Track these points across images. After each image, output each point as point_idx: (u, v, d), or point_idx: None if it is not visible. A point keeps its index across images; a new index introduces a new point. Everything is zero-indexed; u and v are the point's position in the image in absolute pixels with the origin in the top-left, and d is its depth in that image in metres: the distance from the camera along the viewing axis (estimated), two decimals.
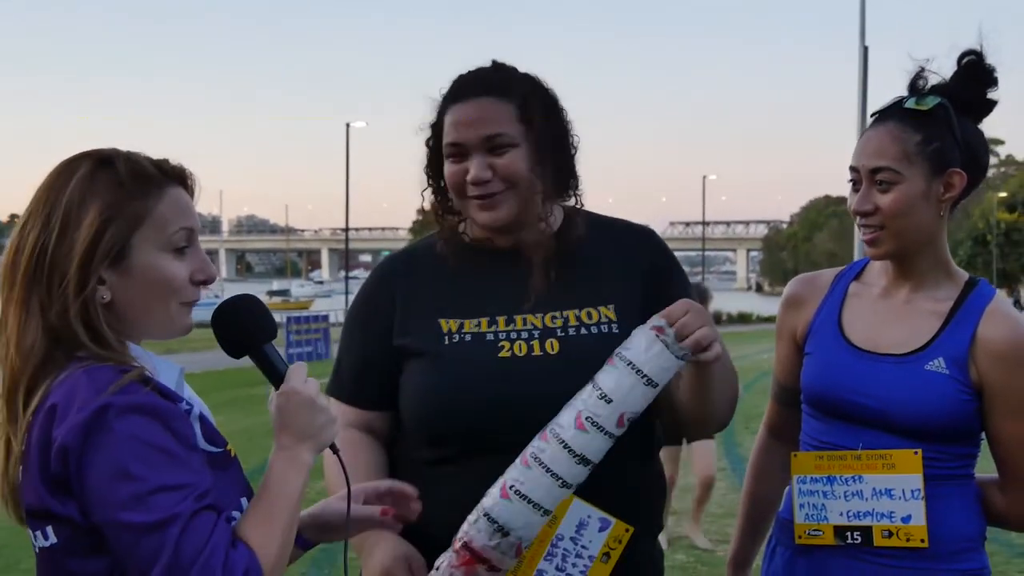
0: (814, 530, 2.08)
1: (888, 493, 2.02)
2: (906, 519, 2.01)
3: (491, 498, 1.78)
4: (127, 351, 1.49)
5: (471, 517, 1.79)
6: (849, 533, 2.05)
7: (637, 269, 2.10)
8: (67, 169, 1.51)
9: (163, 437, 1.40)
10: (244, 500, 1.50)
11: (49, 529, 1.45)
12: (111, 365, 1.44)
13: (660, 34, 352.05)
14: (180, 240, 1.52)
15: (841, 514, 2.06)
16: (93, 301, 1.46)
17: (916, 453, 2.01)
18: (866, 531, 2.04)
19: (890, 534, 2.02)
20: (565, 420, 1.78)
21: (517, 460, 1.80)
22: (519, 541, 1.77)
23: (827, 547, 2.08)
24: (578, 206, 2.12)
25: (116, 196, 1.48)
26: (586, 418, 1.76)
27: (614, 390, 1.77)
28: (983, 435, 2.09)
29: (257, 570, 1.41)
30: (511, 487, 1.77)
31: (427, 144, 2.10)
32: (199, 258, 1.55)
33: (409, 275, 2.12)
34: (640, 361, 1.77)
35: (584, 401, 1.78)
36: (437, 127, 2.07)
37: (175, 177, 1.55)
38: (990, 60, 2.08)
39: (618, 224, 2.19)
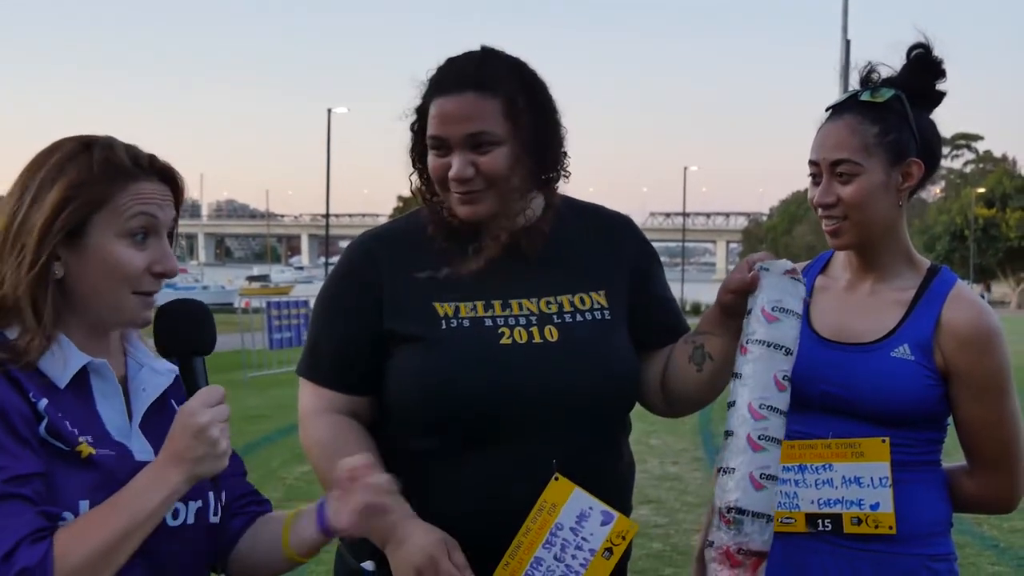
0: (786, 518, 2.10)
1: (857, 481, 2.05)
2: (875, 506, 2.04)
3: (745, 496, 1.75)
4: (52, 334, 1.51)
5: (723, 525, 1.76)
6: (820, 520, 2.08)
7: (624, 257, 2.11)
8: (51, 149, 1.57)
9: None
10: (85, 503, 1.47)
11: None
12: None
13: (642, 28, 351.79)
14: (136, 228, 1.54)
15: (812, 502, 2.09)
16: (45, 276, 1.50)
17: (884, 441, 2.04)
18: (836, 518, 2.07)
19: (859, 521, 2.05)
20: (765, 390, 1.80)
21: (743, 448, 1.77)
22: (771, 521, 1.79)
23: (799, 534, 2.10)
24: (556, 191, 2.08)
25: (82, 178, 1.52)
26: (783, 377, 1.81)
27: (788, 341, 1.83)
28: (949, 421, 2.13)
29: (44, 572, 1.37)
30: (762, 475, 1.76)
31: (412, 128, 2.05)
32: (160, 251, 1.57)
33: (394, 255, 2.04)
34: (793, 305, 1.84)
35: (771, 363, 1.81)
36: (423, 112, 2.01)
37: (155, 172, 1.58)
38: (937, 52, 2.11)
39: (596, 210, 2.18)
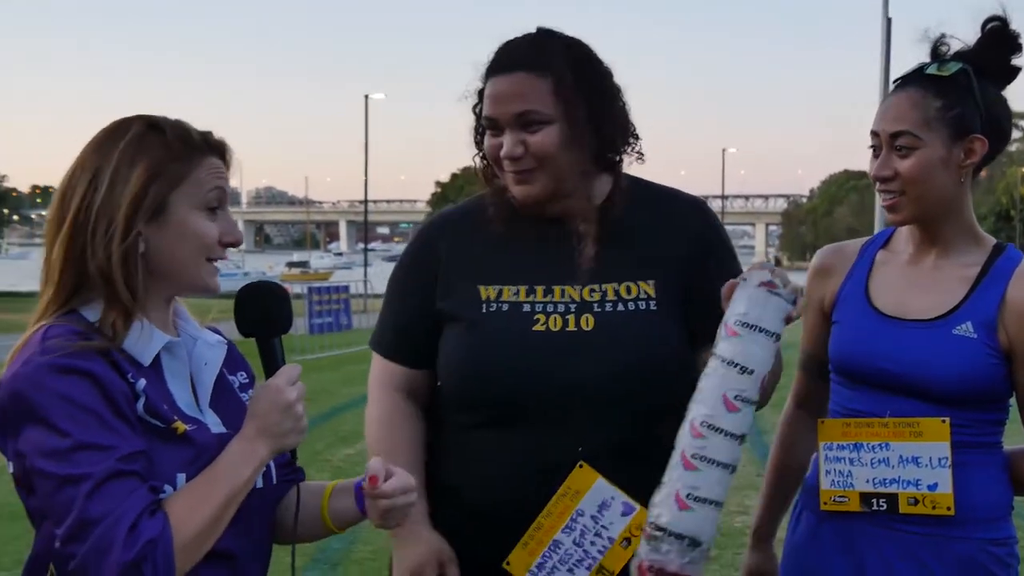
0: (839, 496, 2.09)
1: (915, 461, 2.02)
2: (932, 487, 2.01)
3: (667, 514, 1.68)
4: (137, 310, 1.57)
5: (643, 539, 1.69)
6: (875, 500, 2.06)
7: (684, 241, 2.08)
8: (119, 129, 1.63)
9: (94, 399, 1.48)
10: (182, 476, 1.54)
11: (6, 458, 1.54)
12: (70, 326, 1.54)
13: (683, 10, 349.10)
14: (213, 201, 1.63)
15: (867, 481, 2.06)
16: (134, 251, 1.57)
17: (944, 421, 2.01)
18: (892, 498, 2.04)
19: (916, 502, 2.03)
20: (711, 408, 1.71)
21: (677, 464, 1.71)
22: (709, 545, 1.70)
23: (852, 514, 2.08)
24: (624, 173, 2.09)
25: (162, 156, 1.60)
26: (734, 397, 1.71)
27: (750, 359, 1.72)
28: (1012, 403, 2.09)
29: (166, 542, 1.45)
30: (688, 495, 1.67)
31: (474, 111, 2.09)
32: (228, 221, 1.66)
33: (456, 236, 2.12)
34: (764, 321, 1.73)
35: (723, 380, 1.72)
36: (482, 94, 2.06)
37: (215, 148, 1.67)
38: (1014, 26, 2.07)
39: (669, 194, 2.16)
